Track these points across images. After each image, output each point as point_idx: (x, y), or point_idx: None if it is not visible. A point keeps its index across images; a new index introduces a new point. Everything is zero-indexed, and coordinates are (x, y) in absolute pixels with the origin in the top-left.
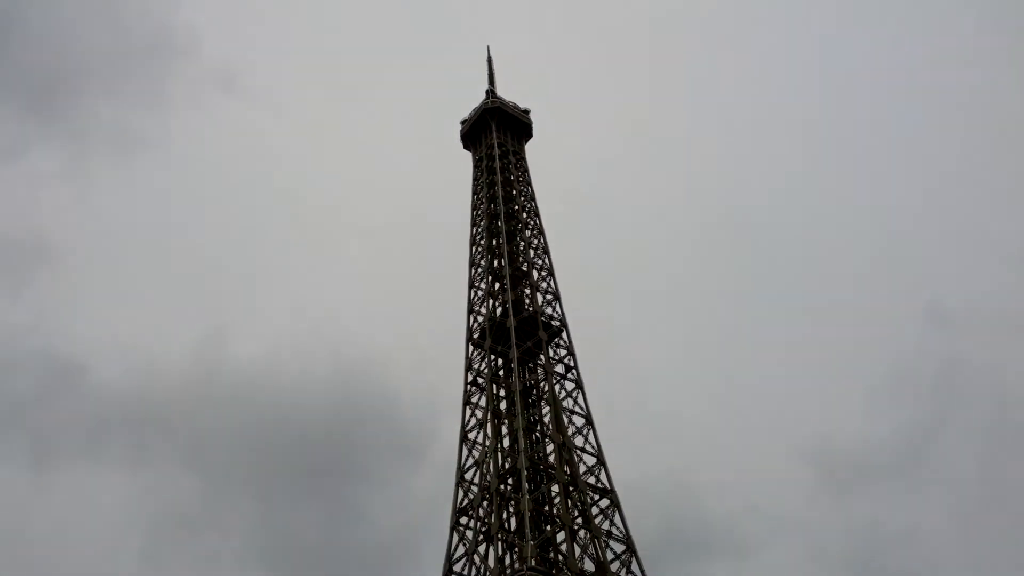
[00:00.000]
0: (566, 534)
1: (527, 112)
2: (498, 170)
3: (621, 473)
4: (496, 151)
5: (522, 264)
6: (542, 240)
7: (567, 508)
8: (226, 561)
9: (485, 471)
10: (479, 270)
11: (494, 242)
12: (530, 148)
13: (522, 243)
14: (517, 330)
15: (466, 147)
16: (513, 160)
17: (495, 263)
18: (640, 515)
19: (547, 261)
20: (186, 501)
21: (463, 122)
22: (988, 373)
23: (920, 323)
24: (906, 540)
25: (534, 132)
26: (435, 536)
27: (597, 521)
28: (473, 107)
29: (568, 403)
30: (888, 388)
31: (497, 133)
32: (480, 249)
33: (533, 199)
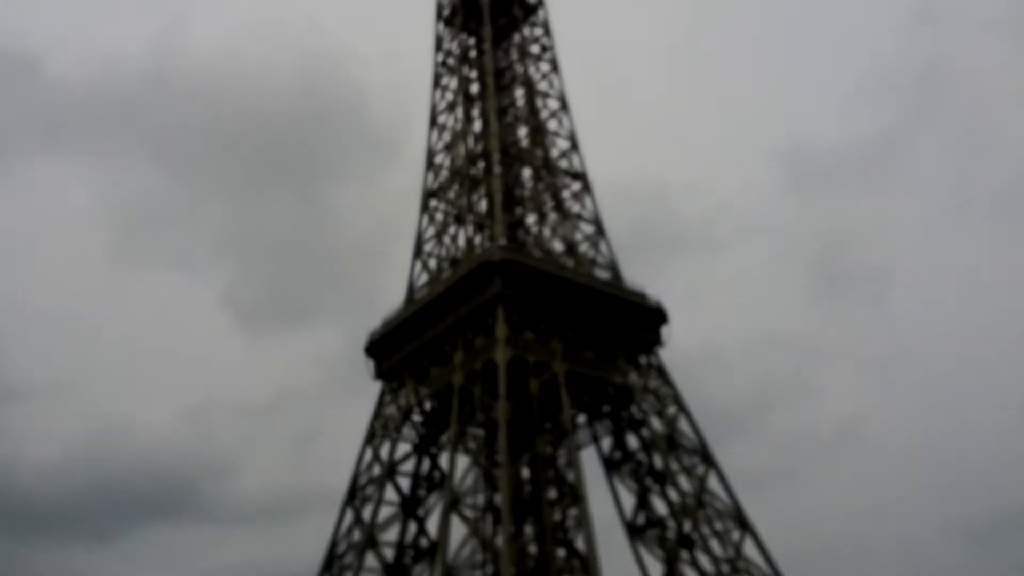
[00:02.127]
0: (536, 216)
1: None
2: None
3: (596, 169)
4: None
5: None
6: None
7: (538, 191)
8: (201, 256)
9: (455, 154)
10: None
11: None
12: None
13: None
14: (491, 6)
15: None
16: None
17: None
18: (613, 214)
19: None
20: (153, 195)
21: None
22: (968, 78)
23: (905, 22)
24: (871, 241)
25: None
26: (405, 237)
27: (568, 204)
28: None
29: (543, 86)
30: (867, 90)
31: None
32: None
33: None
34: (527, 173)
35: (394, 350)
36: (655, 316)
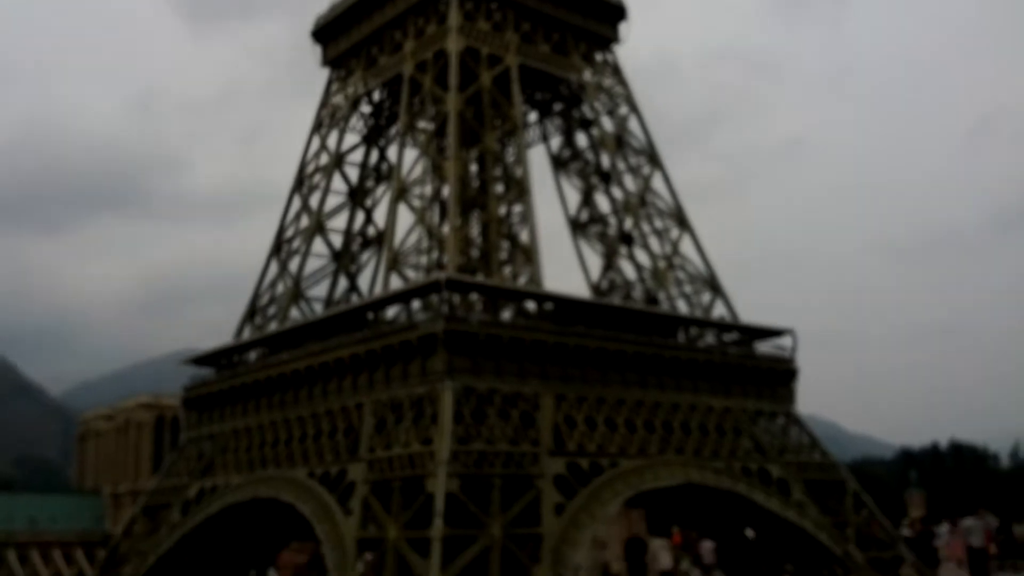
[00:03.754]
0: None
1: None
2: None
3: None
4: None
5: None
6: None
7: None
8: None
9: None
10: None
11: None
12: None
13: None
14: None
15: None
16: None
17: None
18: None
19: None
20: None
21: None
22: None
23: None
24: None
25: None
26: None
27: None
28: None
29: None
30: None
31: None
32: None
33: None
34: None
35: (342, 34)
36: (613, 11)
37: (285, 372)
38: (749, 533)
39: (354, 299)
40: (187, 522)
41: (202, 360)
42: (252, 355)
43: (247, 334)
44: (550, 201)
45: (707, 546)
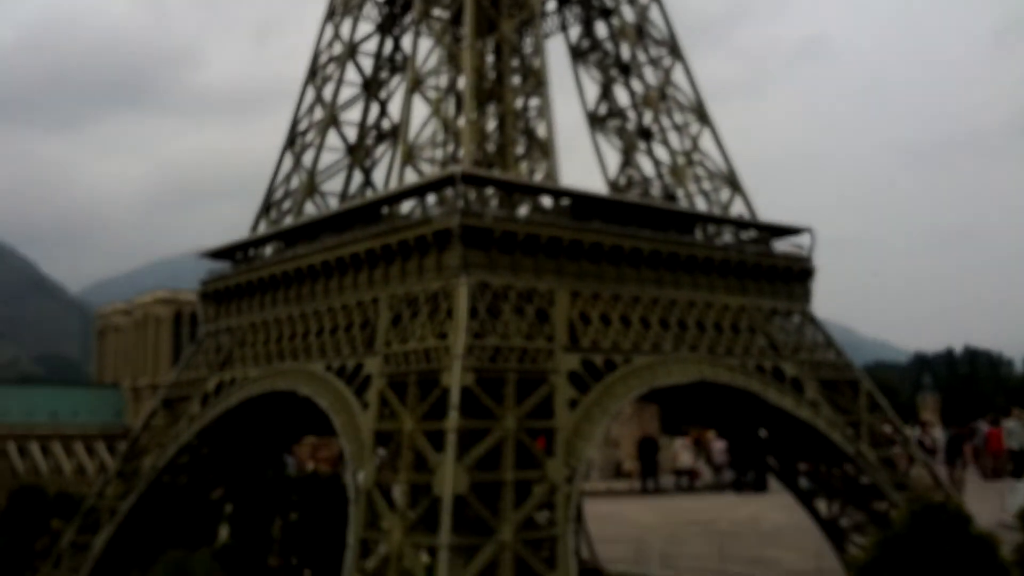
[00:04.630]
0: None
1: None
2: None
3: None
4: None
5: None
6: None
7: None
8: None
9: None
10: None
11: None
12: None
13: None
14: None
15: None
16: None
17: None
18: None
19: None
20: None
21: None
22: None
23: None
24: None
25: None
26: None
27: None
28: None
29: None
30: None
31: None
32: None
33: None
34: None
35: None
36: None
37: (301, 266)
38: (762, 433)
39: (369, 194)
40: (206, 414)
41: (218, 254)
42: (268, 250)
43: (262, 228)
44: (569, 97)
45: (719, 446)
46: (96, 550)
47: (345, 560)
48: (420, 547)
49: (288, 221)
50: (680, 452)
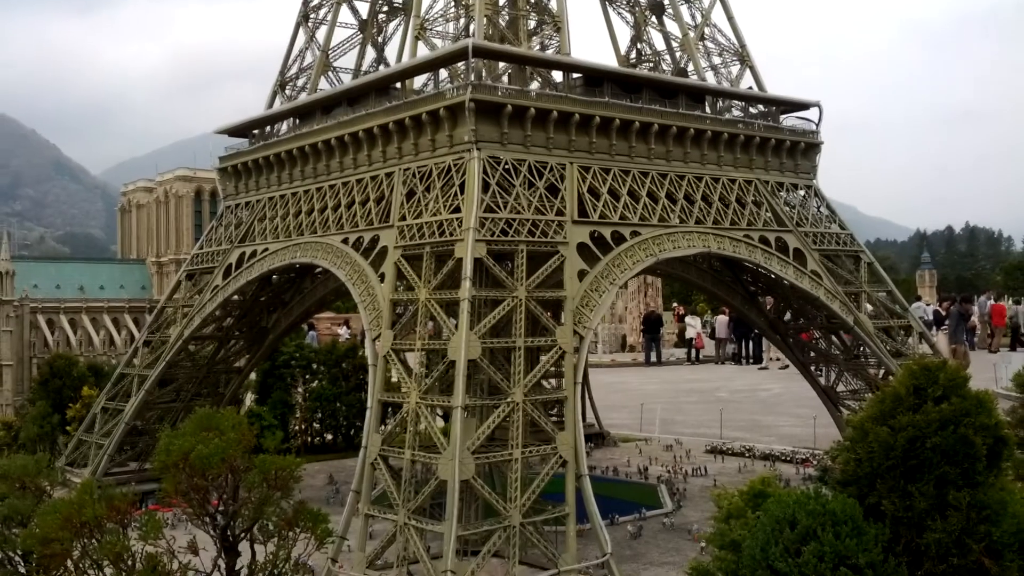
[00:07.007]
0: None
1: None
2: None
3: None
4: None
5: None
6: None
7: None
8: None
9: None
10: None
11: None
12: None
13: None
14: None
15: None
16: None
17: None
18: None
19: None
20: None
21: None
22: None
23: None
24: None
25: None
26: None
27: None
28: None
29: None
30: None
31: None
32: None
33: None
34: None
35: None
36: None
37: (316, 142)
38: (766, 304)
39: (382, 69)
40: (229, 286)
41: (235, 131)
42: (283, 126)
43: (278, 105)
44: None
45: (721, 319)
46: (127, 415)
47: (365, 422)
48: (435, 409)
49: (303, 97)
50: (689, 326)
